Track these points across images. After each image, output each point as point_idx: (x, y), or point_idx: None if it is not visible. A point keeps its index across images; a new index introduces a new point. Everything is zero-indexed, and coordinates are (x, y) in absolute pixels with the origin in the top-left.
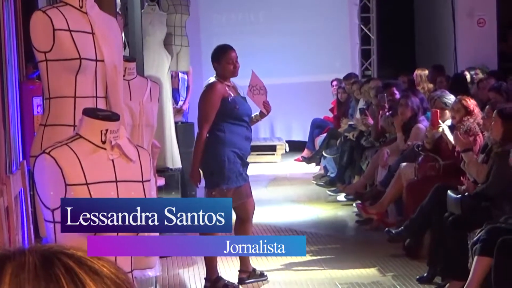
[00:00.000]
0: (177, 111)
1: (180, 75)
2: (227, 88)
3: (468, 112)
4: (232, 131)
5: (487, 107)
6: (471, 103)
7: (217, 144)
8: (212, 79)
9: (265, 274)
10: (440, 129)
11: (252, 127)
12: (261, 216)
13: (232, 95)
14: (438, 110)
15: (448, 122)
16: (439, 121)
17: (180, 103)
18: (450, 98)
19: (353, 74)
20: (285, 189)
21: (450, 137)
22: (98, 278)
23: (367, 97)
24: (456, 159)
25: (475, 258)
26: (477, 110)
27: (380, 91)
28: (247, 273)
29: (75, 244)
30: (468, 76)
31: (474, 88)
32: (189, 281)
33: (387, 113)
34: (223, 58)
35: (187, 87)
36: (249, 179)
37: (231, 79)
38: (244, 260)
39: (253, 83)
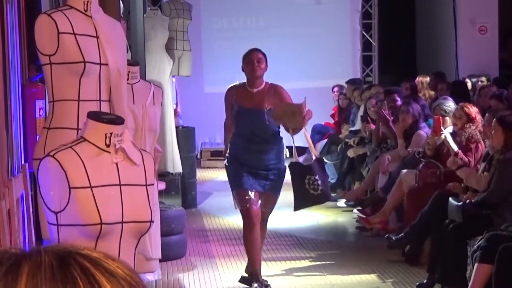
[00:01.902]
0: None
1: (172, 79)
2: (236, 94)
3: (470, 120)
4: (234, 139)
5: (487, 114)
6: (473, 110)
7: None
8: (238, 82)
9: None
10: (443, 136)
11: None
12: None
13: (239, 104)
14: (440, 117)
15: (449, 129)
16: (442, 128)
17: (174, 106)
18: (450, 105)
19: (358, 79)
20: (286, 195)
21: (453, 145)
22: (114, 279)
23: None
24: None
25: (476, 265)
26: (478, 117)
27: (376, 98)
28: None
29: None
30: (469, 84)
31: (476, 95)
32: (188, 286)
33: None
34: (245, 59)
35: (176, 91)
36: None
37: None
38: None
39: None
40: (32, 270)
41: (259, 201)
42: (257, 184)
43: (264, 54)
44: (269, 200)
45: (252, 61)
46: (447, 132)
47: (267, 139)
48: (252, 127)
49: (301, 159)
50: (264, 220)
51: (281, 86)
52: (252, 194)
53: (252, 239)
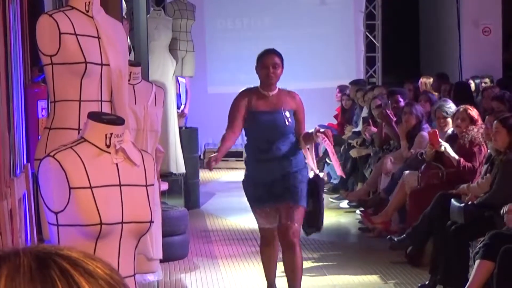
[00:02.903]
0: (180, 116)
1: (180, 79)
2: (249, 99)
3: (473, 122)
4: (248, 151)
5: (487, 116)
6: (475, 112)
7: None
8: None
9: None
10: (442, 148)
11: None
12: None
13: (254, 108)
14: (436, 131)
15: (449, 130)
16: (440, 140)
17: (182, 107)
18: (451, 107)
19: (361, 80)
20: None
21: (453, 154)
22: (93, 280)
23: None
24: (458, 166)
25: (477, 261)
26: (480, 119)
27: (380, 98)
28: None
29: (78, 246)
30: (472, 85)
31: (480, 97)
32: (191, 286)
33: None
34: (260, 61)
35: (186, 92)
36: None
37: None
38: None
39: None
40: (11, 273)
41: (277, 217)
42: (274, 198)
43: (280, 57)
44: (292, 211)
45: (267, 66)
46: (446, 144)
47: (285, 144)
48: (269, 131)
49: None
50: (290, 236)
51: (295, 92)
52: (269, 211)
53: (268, 254)
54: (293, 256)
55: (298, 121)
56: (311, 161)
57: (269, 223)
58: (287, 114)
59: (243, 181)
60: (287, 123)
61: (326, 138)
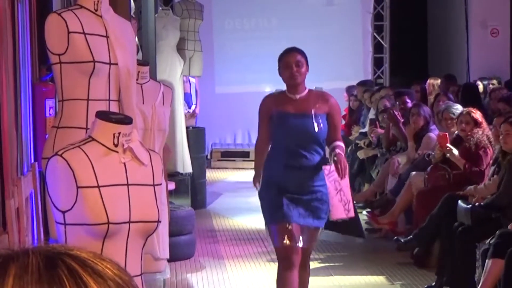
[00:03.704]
0: (191, 115)
1: (190, 79)
2: (275, 102)
3: (477, 124)
4: (271, 156)
5: (495, 119)
6: (479, 115)
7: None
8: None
9: None
10: (448, 155)
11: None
12: None
13: (280, 110)
14: (447, 134)
15: (456, 131)
16: (448, 145)
17: (193, 107)
18: (458, 109)
19: (369, 81)
20: None
21: (459, 158)
22: (102, 280)
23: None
24: (464, 170)
25: (488, 261)
26: (484, 121)
27: (388, 99)
28: None
29: (85, 245)
30: (481, 86)
31: (487, 99)
32: (197, 286)
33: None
34: (281, 62)
35: (196, 92)
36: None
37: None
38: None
39: None
40: (19, 272)
41: (301, 237)
42: (298, 215)
43: (303, 54)
44: (314, 234)
45: (290, 65)
46: (454, 149)
47: (313, 152)
48: (297, 135)
49: None
50: (307, 258)
51: (328, 94)
52: (292, 228)
53: (289, 281)
54: (305, 274)
55: (331, 127)
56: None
57: (293, 239)
58: (319, 118)
59: (262, 189)
60: (317, 129)
61: (334, 172)
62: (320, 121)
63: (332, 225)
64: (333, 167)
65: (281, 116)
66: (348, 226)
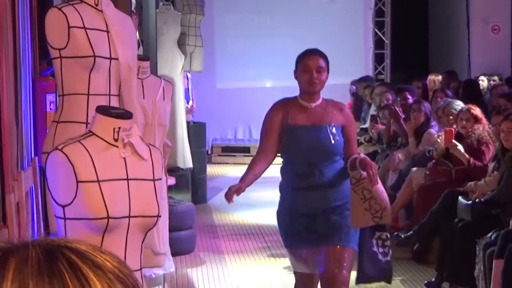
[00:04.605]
0: (188, 111)
1: (187, 74)
2: (286, 111)
3: (477, 121)
4: (285, 175)
5: (493, 116)
6: (478, 111)
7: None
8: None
9: None
10: (452, 150)
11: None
12: (269, 218)
13: (293, 122)
14: (453, 129)
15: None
16: (454, 141)
17: (191, 102)
18: (460, 105)
19: (368, 77)
20: None
21: (463, 153)
22: (101, 273)
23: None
24: (468, 166)
25: (494, 262)
26: (484, 117)
27: (386, 96)
28: None
29: (85, 240)
30: (485, 82)
31: (488, 95)
32: (197, 281)
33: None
34: (300, 64)
35: (191, 87)
36: (261, 180)
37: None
38: None
39: None
40: (19, 265)
41: (318, 262)
42: (315, 238)
43: (326, 59)
44: (340, 255)
45: (310, 70)
46: (459, 145)
47: (330, 169)
48: (311, 151)
49: None
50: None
51: (342, 103)
52: (306, 256)
53: None
54: None
55: (347, 140)
56: None
57: (308, 268)
58: (334, 130)
59: (278, 211)
60: (333, 141)
61: (363, 180)
62: (336, 132)
63: (369, 274)
64: (364, 174)
65: (291, 131)
66: (386, 267)
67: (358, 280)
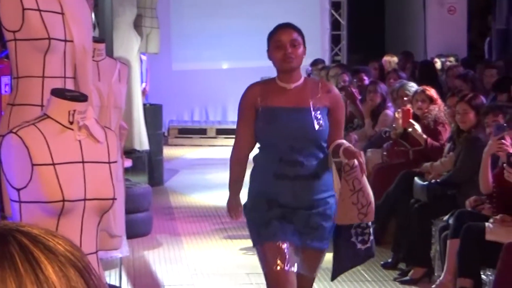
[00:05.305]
0: (142, 93)
1: (141, 56)
2: (262, 94)
3: (433, 101)
4: (258, 163)
5: (448, 98)
6: (434, 91)
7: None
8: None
9: None
10: (410, 129)
11: (225, 108)
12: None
13: (269, 104)
14: (410, 109)
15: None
16: (410, 120)
17: (143, 84)
18: (414, 86)
19: (320, 60)
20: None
21: (421, 134)
22: (53, 256)
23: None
24: (425, 146)
25: (448, 241)
26: (439, 98)
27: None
28: None
29: (40, 223)
30: (438, 63)
31: (444, 76)
32: (153, 263)
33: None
34: (271, 40)
35: (146, 69)
36: (218, 162)
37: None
38: None
39: None
40: None
41: (295, 261)
42: (293, 233)
43: (300, 32)
44: (313, 258)
45: (284, 44)
46: (416, 124)
47: (314, 157)
48: (292, 135)
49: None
50: None
51: (330, 84)
52: (285, 248)
53: None
54: None
55: (333, 124)
56: (336, 184)
57: (286, 262)
58: (319, 115)
59: (246, 204)
60: (317, 126)
61: (357, 168)
62: (320, 116)
63: (345, 264)
64: (356, 162)
65: (271, 111)
66: (367, 253)
67: (334, 277)
